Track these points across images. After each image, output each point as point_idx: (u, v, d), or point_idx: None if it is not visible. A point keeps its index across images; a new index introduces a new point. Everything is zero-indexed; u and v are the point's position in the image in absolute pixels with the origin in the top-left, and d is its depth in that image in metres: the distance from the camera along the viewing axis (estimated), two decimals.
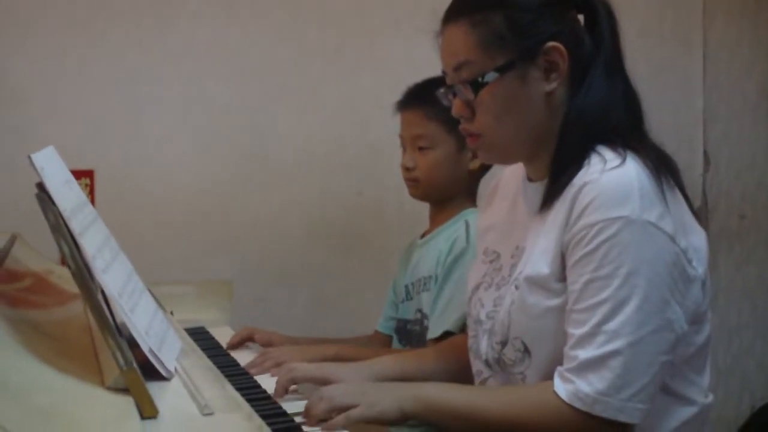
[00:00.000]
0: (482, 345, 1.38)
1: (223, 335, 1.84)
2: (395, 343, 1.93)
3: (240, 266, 2.32)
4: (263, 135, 2.36)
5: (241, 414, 1.16)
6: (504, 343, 1.32)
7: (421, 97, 1.84)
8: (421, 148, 1.83)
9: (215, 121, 2.32)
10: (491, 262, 1.44)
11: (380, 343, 1.98)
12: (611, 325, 1.17)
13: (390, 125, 2.34)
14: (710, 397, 1.33)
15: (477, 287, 1.45)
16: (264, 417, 1.17)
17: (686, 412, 1.28)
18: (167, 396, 1.20)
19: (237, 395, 1.23)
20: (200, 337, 1.78)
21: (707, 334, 1.31)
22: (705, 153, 2.80)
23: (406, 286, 1.90)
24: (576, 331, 1.20)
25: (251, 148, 2.35)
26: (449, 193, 1.86)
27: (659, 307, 1.17)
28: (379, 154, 2.42)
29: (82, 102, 2.24)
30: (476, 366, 1.43)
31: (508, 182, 1.52)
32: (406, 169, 1.87)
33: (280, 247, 2.38)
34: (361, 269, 2.44)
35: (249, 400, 1.23)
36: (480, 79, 1.29)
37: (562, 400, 1.19)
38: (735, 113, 2.85)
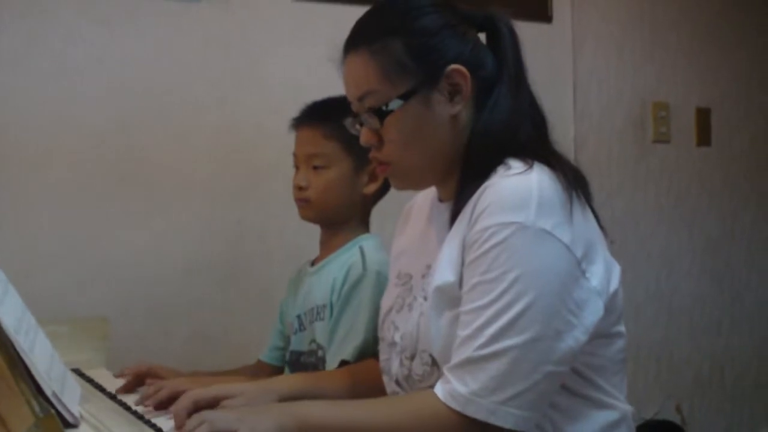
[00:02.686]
0: (393, 365, 1.36)
1: (101, 378, 1.69)
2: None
3: (114, 300, 2.16)
4: (141, 160, 2.21)
5: None
6: (412, 358, 1.30)
7: (319, 115, 1.78)
8: (315, 167, 1.77)
9: (89, 146, 2.15)
10: (404, 284, 1.42)
11: (266, 373, 1.88)
12: (491, 329, 1.16)
13: (272, 150, 2.29)
14: (630, 407, 1.34)
15: (389, 310, 1.43)
16: None
17: (606, 416, 1.29)
18: None
19: None
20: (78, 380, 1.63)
21: (620, 348, 1.32)
22: None
23: (299, 317, 1.82)
24: (461, 333, 1.19)
25: (128, 174, 2.20)
26: (342, 216, 1.80)
27: (546, 315, 1.16)
28: (260, 181, 2.34)
29: None
30: (390, 387, 1.40)
31: (421, 206, 1.51)
32: (299, 189, 1.79)
33: (158, 279, 2.23)
34: (244, 301, 2.32)
35: None
36: (384, 108, 1.28)
37: (439, 400, 1.18)
38: (604, 140, 2.93)
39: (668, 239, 3.07)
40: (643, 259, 2.99)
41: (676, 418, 3.04)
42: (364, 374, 1.55)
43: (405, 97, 1.27)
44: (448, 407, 1.17)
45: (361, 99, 1.31)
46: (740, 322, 3.26)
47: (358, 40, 1.32)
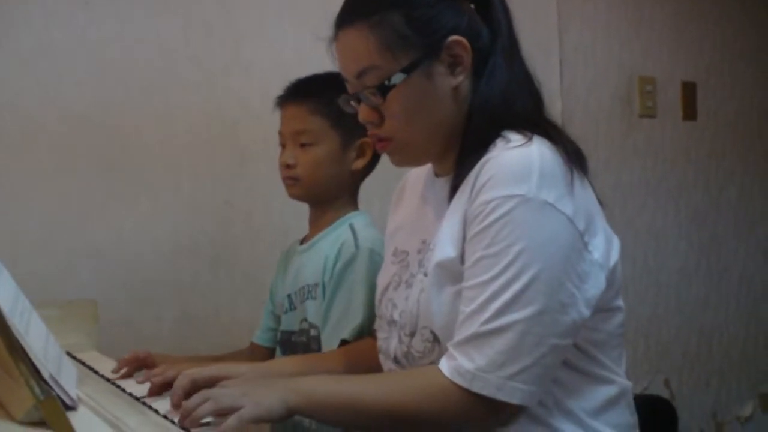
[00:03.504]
0: (392, 343, 1.35)
1: (93, 361, 1.66)
2: (279, 357, 1.83)
3: (102, 283, 2.12)
4: (126, 142, 2.17)
5: None
6: (412, 334, 1.29)
7: (304, 92, 1.76)
8: (302, 145, 1.74)
9: (73, 128, 2.11)
10: (400, 261, 1.41)
11: (261, 355, 1.87)
12: (496, 304, 1.15)
13: (258, 131, 2.26)
14: (629, 382, 1.33)
15: (386, 288, 1.42)
16: None
17: (607, 391, 1.29)
18: (84, 427, 1.05)
19: (165, 422, 1.10)
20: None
21: (619, 323, 1.32)
22: None
23: (289, 296, 1.80)
24: (465, 308, 1.18)
25: (113, 156, 2.16)
26: (331, 193, 1.78)
27: (551, 288, 1.15)
28: (246, 161, 2.31)
29: None
30: (386, 366, 1.39)
31: (414, 182, 1.50)
32: (286, 167, 1.76)
33: (146, 262, 2.20)
34: (232, 282, 2.30)
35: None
36: (387, 83, 1.25)
37: (445, 377, 1.17)
38: (590, 116, 2.92)
39: (655, 214, 3.08)
40: (630, 235, 3.00)
41: (664, 393, 3.06)
42: (361, 353, 1.54)
43: (407, 70, 1.25)
44: (454, 383, 1.16)
45: (360, 75, 1.28)
46: (727, 296, 3.27)
47: (354, 14, 1.29)
